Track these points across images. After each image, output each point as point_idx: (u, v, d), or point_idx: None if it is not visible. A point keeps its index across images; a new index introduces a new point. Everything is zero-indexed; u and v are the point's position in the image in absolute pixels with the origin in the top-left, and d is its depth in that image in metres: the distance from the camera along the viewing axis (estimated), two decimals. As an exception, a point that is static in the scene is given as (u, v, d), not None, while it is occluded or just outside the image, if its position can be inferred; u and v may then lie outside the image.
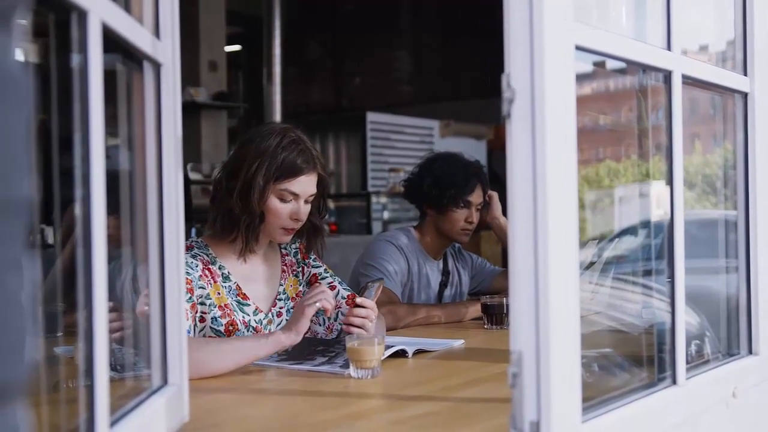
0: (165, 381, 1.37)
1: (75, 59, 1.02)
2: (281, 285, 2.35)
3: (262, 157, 2.16)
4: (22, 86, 0.59)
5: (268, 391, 1.78)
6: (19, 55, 0.61)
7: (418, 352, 2.18)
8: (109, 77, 1.09)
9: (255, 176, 2.15)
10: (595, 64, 1.48)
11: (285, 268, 2.38)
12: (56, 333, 1.48)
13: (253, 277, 2.29)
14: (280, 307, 2.32)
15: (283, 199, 2.19)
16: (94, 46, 1.01)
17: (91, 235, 1.01)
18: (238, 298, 2.22)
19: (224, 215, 2.20)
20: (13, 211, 0.58)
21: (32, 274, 0.61)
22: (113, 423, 1.10)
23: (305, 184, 2.21)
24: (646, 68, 1.56)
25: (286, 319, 2.29)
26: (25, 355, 0.60)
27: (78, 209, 1.02)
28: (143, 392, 1.31)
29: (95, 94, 1.02)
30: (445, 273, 3.15)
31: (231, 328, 2.17)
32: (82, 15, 1.00)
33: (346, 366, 1.90)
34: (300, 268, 2.42)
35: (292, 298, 2.36)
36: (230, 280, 2.22)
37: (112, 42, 1.11)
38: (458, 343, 2.35)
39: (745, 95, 1.82)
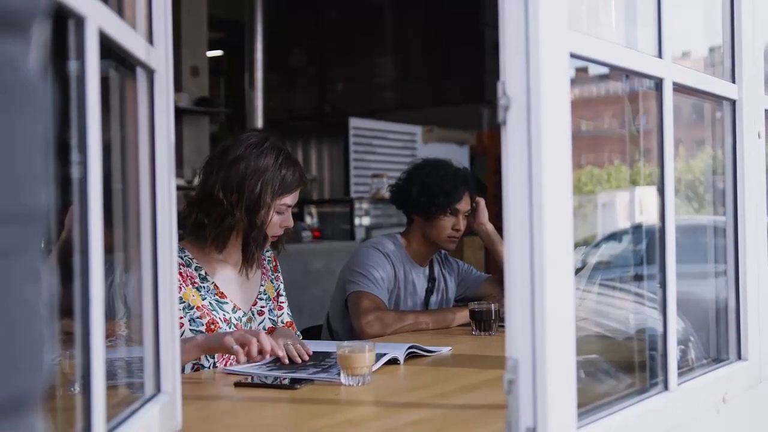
0: (158, 389, 1.36)
1: (71, 65, 1.01)
2: (262, 285, 2.43)
3: (264, 176, 2.24)
4: (41, 95, 0.59)
5: (261, 400, 1.77)
6: (37, 64, 0.60)
7: (411, 355, 2.19)
8: (102, 83, 1.08)
9: (262, 195, 2.24)
10: (578, 69, 1.48)
11: (264, 270, 2.46)
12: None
13: (233, 278, 2.35)
14: (262, 306, 2.40)
15: (279, 212, 2.31)
16: (92, 52, 1.01)
17: (88, 242, 1.00)
18: (216, 297, 2.28)
19: (227, 230, 2.26)
20: (32, 220, 0.58)
21: (48, 284, 0.61)
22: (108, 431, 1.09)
23: (297, 195, 2.35)
24: (638, 75, 1.57)
25: (269, 318, 2.41)
26: (43, 366, 0.60)
27: (74, 216, 1.01)
28: (136, 401, 1.30)
29: (92, 100, 1.01)
30: (432, 279, 3.15)
31: (213, 326, 2.23)
32: (80, 21, 0.99)
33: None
34: (275, 276, 2.52)
35: (273, 299, 2.45)
36: (208, 281, 2.28)
37: (106, 48, 1.11)
38: (446, 350, 2.35)
39: (733, 102, 1.83)
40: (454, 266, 3.26)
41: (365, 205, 7.65)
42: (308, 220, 7.51)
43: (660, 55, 1.52)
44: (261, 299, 2.41)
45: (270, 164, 2.25)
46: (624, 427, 1.37)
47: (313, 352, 2.21)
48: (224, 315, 2.26)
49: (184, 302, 2.19)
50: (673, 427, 1.55)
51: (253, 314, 2.37)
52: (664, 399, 1.50)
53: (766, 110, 1.93)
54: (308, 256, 6.03)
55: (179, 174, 6.74)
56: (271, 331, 2.40)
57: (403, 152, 8.33)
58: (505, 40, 1.18)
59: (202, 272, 2.28)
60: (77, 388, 1.11)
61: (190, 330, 2.19)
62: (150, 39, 1.35)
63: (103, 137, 1.09)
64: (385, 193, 7.00)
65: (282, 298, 2.52)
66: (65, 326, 1.07)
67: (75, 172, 1.01)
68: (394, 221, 7.31)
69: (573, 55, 1.25)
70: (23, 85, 0.58)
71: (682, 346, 1.82)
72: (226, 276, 2.33)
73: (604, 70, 1.58)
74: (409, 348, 2.19)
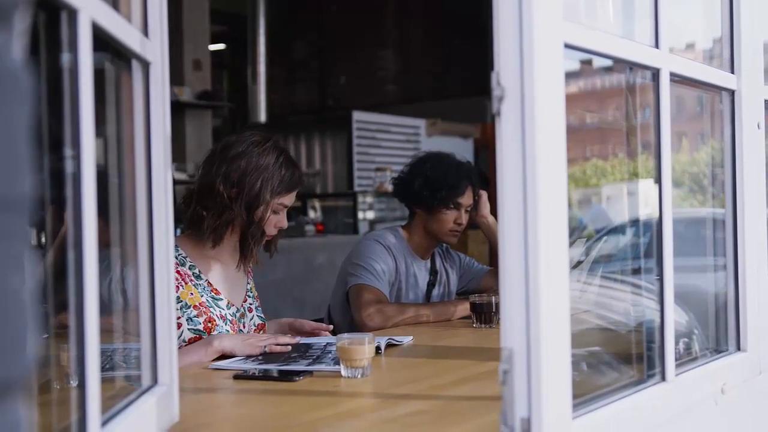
0: (155, 381, 1.37)
1: (64, 58, 1.02)
2: (248, 284, 2.47)
3: (264, 174, 2.27)
4: (23, 84, 0.60)
5: (259, 392, 1.78)
6: (19, 53, 0.61)
7: (389, 346, 2.24)
8: (97, 76, 1.08)
9: (261, 192, 2.26)
10: (582, 62, 1.48)
11: (249, 270, 2.49)
12: (43, 334, 1.47)
13: (224, 275, 2.38)
14: (250, 304, 2.45)
15: (275, 212, 2.32)
16: (84, 44, 1.01)
17: (82, 236, 1.00)
18: (212, 293, 2.31)
19: (224, 224, 2.28)
20: (16, 208, 0.58)
21: (33, 271, 0.62)
22: (104, 423, 1.09)
23: (294, 197, 2.37)
24: (634, 66, 1.57)
25: (257, 315, 2.45)
26: (26, 352, 0.61)
27: (67, 210, 1.02)
28: (133, 392, 1.31)
29: (85, 93, 1.01)
30: (433, 272, 3.15)
31: (209, 324, 2.25)
32: (72, 13, 0.99)
33: (337, 362, 1.90)
34: (252, 276, 2.55)
35: (256, 297, 2.50)
36: (202, 279, 2.31)
37: (101, 40, 1.11)
38: (407, 340, 2.37)
39: (732, 92, 1.83)
40: (456, 259, 3.26)
41: (369, 199, 7.65)
42: (311, 214, 7.52)
43: (657, 46, 1.52)
44: (249, 296, 2.45)
45: (271, 163, 2.28)
46: (620, 417, 1.37)
47: (296, 344, 2.22)
48: (220, 312, 2.29)
49: (181, 302, 2.21)
50: (671, 417, 1.55)
51: (244, 310, 2.40)
52: (661, 390, 1.51)
53: (765, 101, 1.92)
54: (311, 250, 6.04)
55: (182, 168, 6.75)
56: (261, 327, 2.45)
57: (406, 146, 8.33)
58: (499, 30, 1.18)
59: (196, 270, 2.30)
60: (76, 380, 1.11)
61: (189, 329, 2.21)
62: (145, 31, 1.35)
63: (99, 131, 1.09)
64: (389, 187, 7.01)
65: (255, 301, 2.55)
66: (63, 320, 1.08)
67: (68, 166, 1.01)
68: (398, 215, 7.31)
69: (567, 46, 1.25)
70: (5, 75, 0.58)
71: (686, 339, 1.82)
72: (218, 273, 2.36)
73: (609, 62, 1.58)
74: (388, 343, 2.24)
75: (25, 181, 0.59)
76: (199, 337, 2.21)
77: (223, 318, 2.28)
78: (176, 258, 2.26)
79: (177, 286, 2.21)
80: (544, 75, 1.17)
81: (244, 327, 2.37)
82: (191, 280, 2.27)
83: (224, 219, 2.26)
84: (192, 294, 2.25)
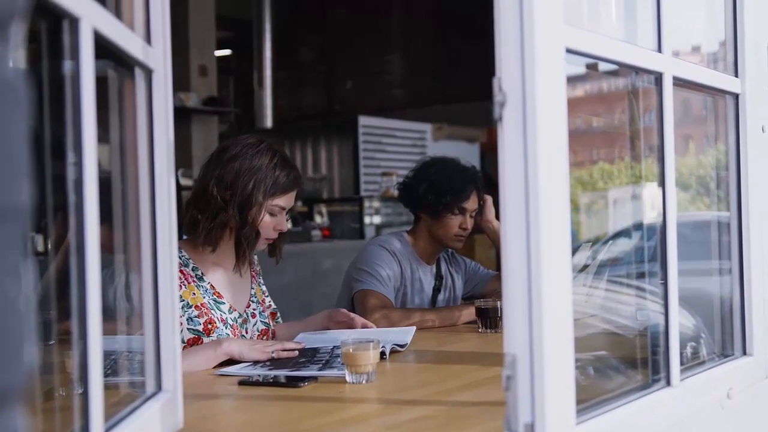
0: (159, 387, 1.37)
1: (66, 65, 1.02)
2: (252, 288, 2.46)
3: (257, 175, 2.27)
4: (20, 93, 0.60)
5: (263, 398, 1.77)
6: (17, 63, 0.61)
7: (394, 351, 2.23)
8: (100, 83, 1.09)
9: (253, 193, 2.26)
10: (588, 66, 1.48)
11: (254, 274, 2.50)
12: (49, 341, 1.48)
13: (227, 280, 2.38)
14: (253, 309, 2.44)
15: (272, 213, 2.32)
16: (86, 52, 1.01)
17: (84, 243, 1.01)
18: (214, 296, 2.31)
19: (219, 227, 2.28)
20: (12, 218, 0.58)
21: (30, 281, 0.62)
22: (108, 429, 1.09)
23: (292, 199, 2.36)
24: (637, 70, 1.56)
25: (261, 321, 2.44)
26: (24, 361, 0.61)
27: (71, 217, 1.02)
28: (137, 399, 1.31)
29: (87, 100, 1.02)
30: (439, 277, 3.15)
31: (210, 326, 2.26)
32: (74, 22, 0.99)
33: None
34: (260, 279, 2.55)
35: (261, 302, 2.48)
36: (204, 281, 2.31)
37: (103, 48, 1.11)
38: (411, 331, 2.41)
39: (736, 96, 1.82)
40: (461, 264, 3.26)
41: (375, 204, 7.65)
42: (318, 219, 7.51)
43: (659, 50, 1.52)
44: (253, 302, 2.44)
45: (264, 164, 2.28)
46: (624, 423, 1.37)
47: (303, 349, 2.22)
48: (221, 315, 2.29)
49: (183, 301, 2.21)
50: (676, 422, 1.54)
51: (247, 316, 2.40)
52: (666, 395, 1.50)
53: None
54: (318, 255, 6.04)
55: (188, 174, 6.75)
56: (264, 333, 2.44)
57: (412, 150, 8.33)
58: (501, 35, 1.18)
59: (199, 272, 2.31)
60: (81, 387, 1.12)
61: (188, 329, 2.22)
62: (148, 39, 1.36)
63: (103, 138, 1.09)
64: (395, 191, 7.01)
65: (267, 298, 2.56)
66: (69, 327, 1.08)
67: (70, 173, 1.02)
68: (404, 219, 7.30)
69: (569, 50, 1.25)
70: (3, 84, 0.58)
71: (693, 343, 1.81)
72: (220, 277, 2.36)
73: (614, 66, 1.58)
74: (392, 348, 2.22)
75: (22, 191, 0.59)
76: (198, 338, 2.21)
77: (224, 321, 2.28)
78: (180, 259, 2.27)
79: (179, 285, 2.21)
80: (546, 80, 1.17)
81: (246, 332, 2.36)
82: (194, 281, 2.27)
83: (218, 221, 2.26)
84: (194, 294, 2.26)
